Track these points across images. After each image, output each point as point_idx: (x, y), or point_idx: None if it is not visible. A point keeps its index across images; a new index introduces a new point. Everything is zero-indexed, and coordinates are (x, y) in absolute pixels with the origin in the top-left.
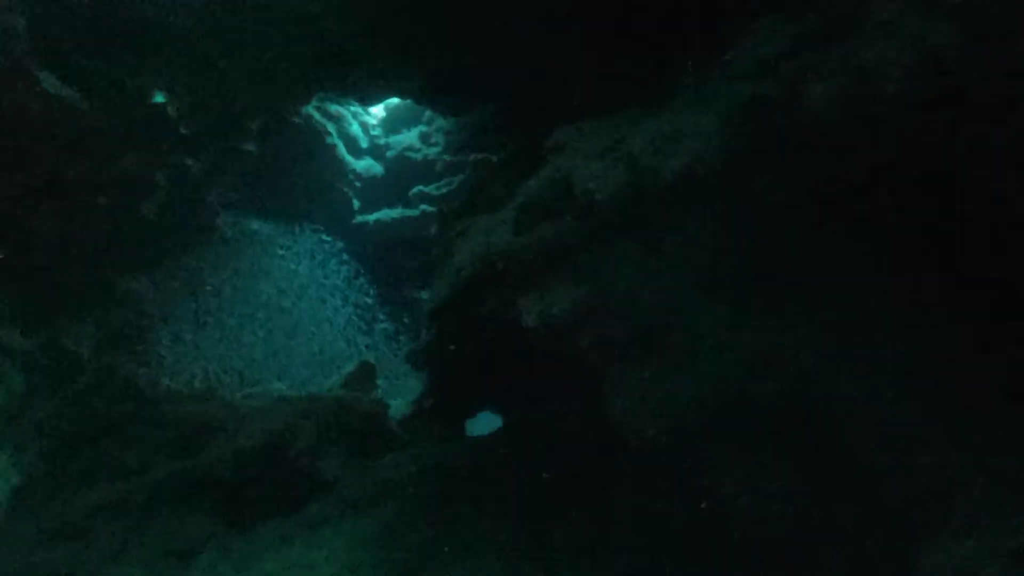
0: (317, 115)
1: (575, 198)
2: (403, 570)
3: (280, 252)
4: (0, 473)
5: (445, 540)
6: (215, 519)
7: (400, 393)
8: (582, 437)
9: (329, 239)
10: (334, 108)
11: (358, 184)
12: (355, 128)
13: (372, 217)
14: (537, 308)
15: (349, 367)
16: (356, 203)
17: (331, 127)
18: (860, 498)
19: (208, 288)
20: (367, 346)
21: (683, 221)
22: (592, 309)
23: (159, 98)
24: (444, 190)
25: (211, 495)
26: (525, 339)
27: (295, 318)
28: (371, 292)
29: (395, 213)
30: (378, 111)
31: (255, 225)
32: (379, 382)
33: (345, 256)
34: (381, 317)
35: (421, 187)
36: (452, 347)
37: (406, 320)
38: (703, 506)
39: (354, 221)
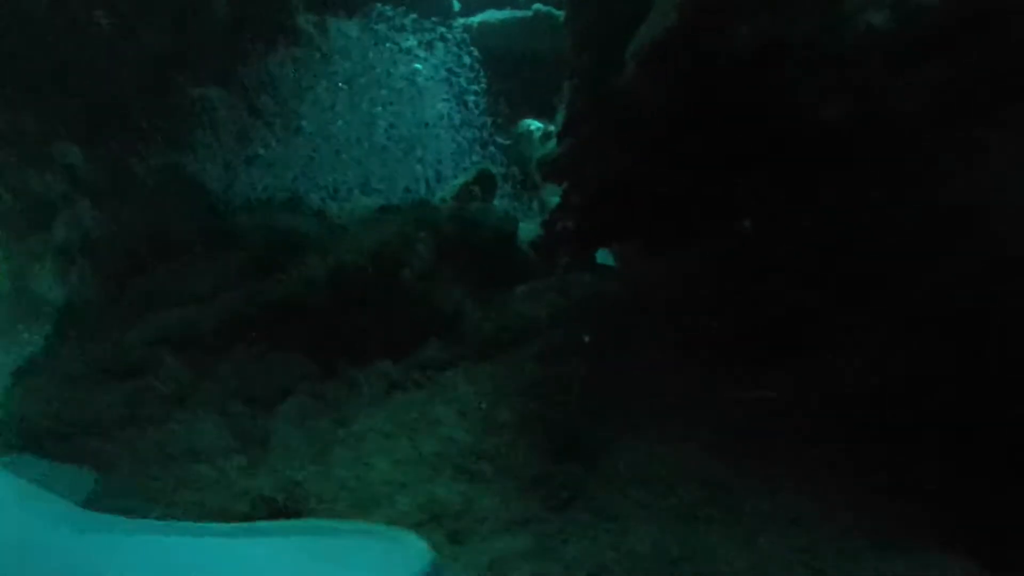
0: None
1: None
2: (559, 430)
3: (374, 53)
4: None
5: (606, 397)
6: (305, 357)
7: None
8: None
9: (441, 28)
10: None
11: None
12: None
13: (475, 20)
14: None
15: (464, 177)
16: (456, 3)
17: None
18: None
19: (290, 96)
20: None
21: None
22: None
23: None
24: None
25: (300, 326)
26: None
27: (397, 130)
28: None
29: (503, 15)
30: None
31: (342, 25)
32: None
33: (459, 51)
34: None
35: None
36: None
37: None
38: None
39: (453, 25)
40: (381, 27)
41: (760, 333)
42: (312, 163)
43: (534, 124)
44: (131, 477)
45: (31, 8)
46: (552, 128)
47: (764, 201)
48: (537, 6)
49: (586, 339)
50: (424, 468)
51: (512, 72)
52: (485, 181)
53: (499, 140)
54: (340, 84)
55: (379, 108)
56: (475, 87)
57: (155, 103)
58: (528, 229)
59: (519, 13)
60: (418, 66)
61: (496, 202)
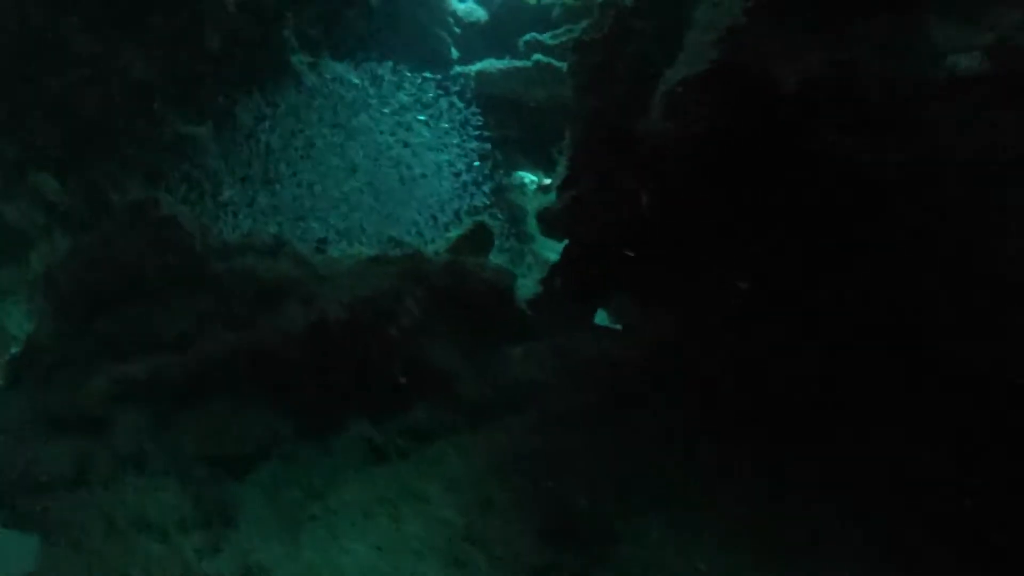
0: None
1: None
2: (559, 513)
3: (367, 98)
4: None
5: (611, 475)
6: (280, 417)
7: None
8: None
9: (431, 77)
10: None
11: (457, 29)
12: None
13: (474, 68)
14: None
15: (459, 229)
16: (455, 52)
17: None
18: None
19: (279, 137)
20: (479, 209)
21: None
22: None
23: None
24: (563, 39)
25: (276, 383)
26: None
27: (387, 176)
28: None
29: (501, 64)
30: None
31: (337, 68)
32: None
33: (452, 100)
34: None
35: (535, 34)
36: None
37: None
38: None
39: (451, 72)
40: (377, 73)
41: (780, 404)
42: (299, 208)
43: (527, 176)
44: (74, 550)
45: (10, 31)
46: (548, 180)
47: (789, 258)
48: (537, 56)
49: (588, 407)
50: (407, 555)
51: (510, 122)
52: (480, 234)
53: (495, 192)
54: (332, 128)
55: (373, 155)
56: (473, 138)
57: (138, 134)
58: (524, 286)
59: (519, 63)
60: (420, 116)
61: (491, 256)
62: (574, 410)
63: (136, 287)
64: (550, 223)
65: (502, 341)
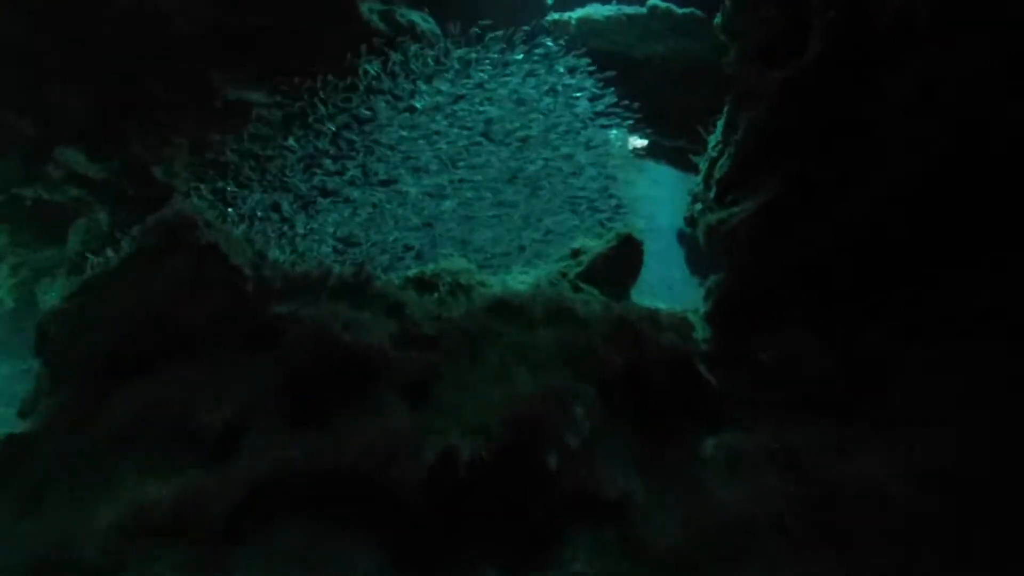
0: None
1: None
2: None
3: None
4: None
5: None
6: (373, 551)
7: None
8: None
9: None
10: None
11: None
12: None
13: (574, 16)
14: None
15: (597, 244)
16: None
17: None
18: None
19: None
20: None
21: None
22: None
23: None
24: None
25: (368, 505)
26: None
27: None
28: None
29: (608, 10)
30: None
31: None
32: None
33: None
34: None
35: None
36: None
37: None
38: None
39: (545, 20)
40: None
41: None
42: (388, 222)
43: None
44: None
45: None
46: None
47: None
48: (654, 1)
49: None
50: None
51: (622, 83)
52: (627, 250)
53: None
54: (425, 113)
55: (475, 148)
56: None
57: (181, 101)
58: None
59: (630, 9)
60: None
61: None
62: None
63: (169, 341)
64: (719, 238)
65: (685, 428)
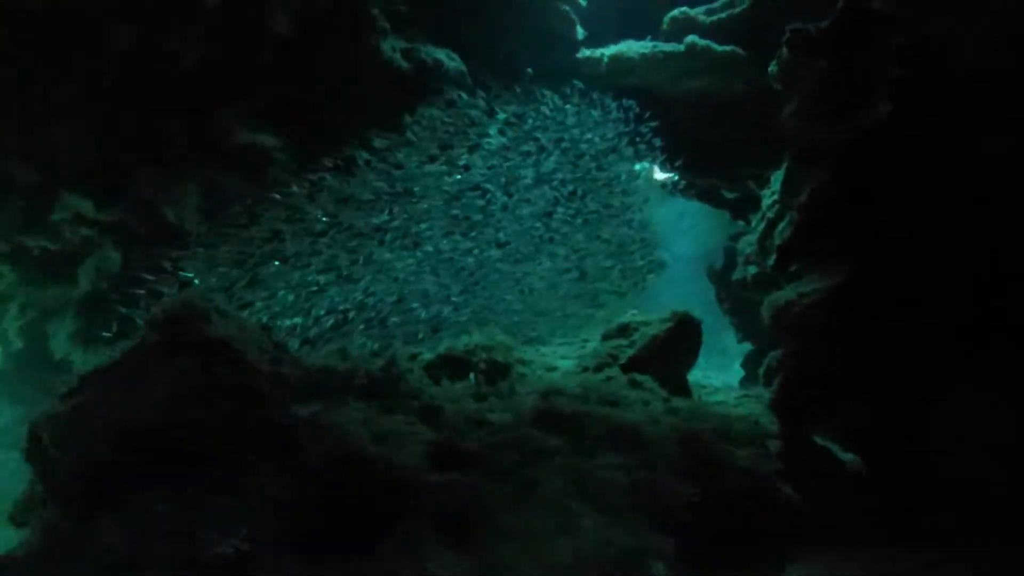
0: None
1: None
2: None
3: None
4: None
5: None
6: None
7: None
8: None
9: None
10: None
11: (583, 2)
12: None
13: (607, 52)
14: None
15: (650, 322)
16: (580, 31)
17: None
18: None
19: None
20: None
21: None
22: None
23: None
24: (724, 15)
25: None
26: None
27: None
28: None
29: (643, 48)
30: None
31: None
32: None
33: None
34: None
35: (685, 9)
36: None
37: None
38: None
39: (575, 57)
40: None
41: None
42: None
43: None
44: None
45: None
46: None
47: None
48: (692, 38)
49: None
50: None
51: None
52: (685, 331)
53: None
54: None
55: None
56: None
57: (187, 141)
58: None
59: (667, 47)
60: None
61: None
62: None
63: (166, 460)
64: (787, 320)
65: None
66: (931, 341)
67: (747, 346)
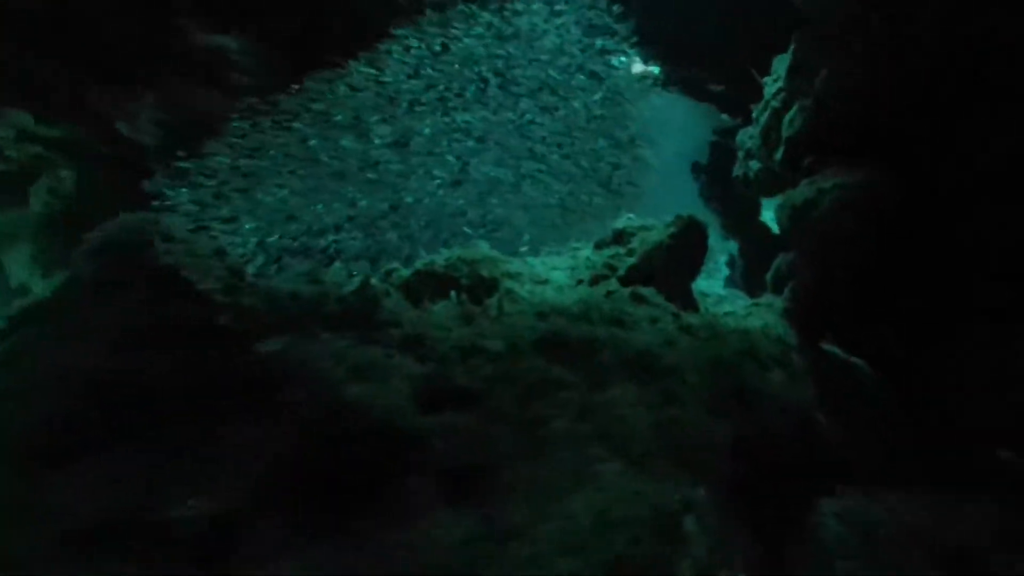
0: None
1: None
2: None
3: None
4: None
5: None
6: None
7: None
8: None
9: None
10: None
11: None
12: None
13: None
14: None
15: (651, 228)
16: None
17: None
18: None
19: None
20: None
21: None
22: None
23: None
24: None
25: None
26: None
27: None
28: None
29: None
30: None
31: None
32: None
33: None
34: None
35: None
36: None
37: None
38: None
39: None
40: None
41: None
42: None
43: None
44: None
45: None
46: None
47: None
48: None
49: None
50: None
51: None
52: (691, 238)
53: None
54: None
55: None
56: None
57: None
58: None
59: None
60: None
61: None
62: None
63: (116, 414)
64: (808, 224)
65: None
66: (971, 264)
67: (730, 245)
